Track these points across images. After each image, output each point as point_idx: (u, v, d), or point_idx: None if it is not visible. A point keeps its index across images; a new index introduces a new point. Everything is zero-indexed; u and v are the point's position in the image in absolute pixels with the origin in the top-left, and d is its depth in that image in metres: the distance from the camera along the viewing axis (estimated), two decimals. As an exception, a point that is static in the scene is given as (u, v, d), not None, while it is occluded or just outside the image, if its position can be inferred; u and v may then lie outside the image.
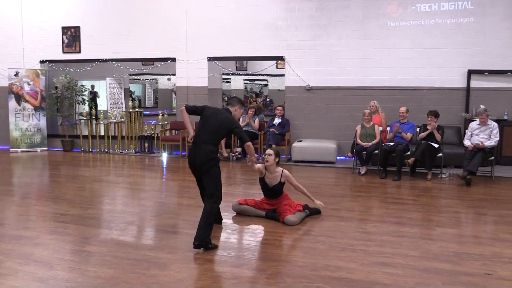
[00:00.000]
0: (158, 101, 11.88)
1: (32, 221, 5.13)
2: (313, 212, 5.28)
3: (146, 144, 10.31)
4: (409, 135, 7.75)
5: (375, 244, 4.32)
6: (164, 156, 9.92)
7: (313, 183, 6.98)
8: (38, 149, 10.80)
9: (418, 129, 7.86)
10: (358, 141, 7.98)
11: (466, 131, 7.71)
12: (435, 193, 6.59)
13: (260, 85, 11.07)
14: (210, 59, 10.10)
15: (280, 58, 9.73)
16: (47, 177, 8.04)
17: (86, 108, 11.13)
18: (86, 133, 10.84)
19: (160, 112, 10.54)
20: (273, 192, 5.16)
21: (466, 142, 7.37)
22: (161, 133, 10.13)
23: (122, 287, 3.40)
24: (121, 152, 10.49)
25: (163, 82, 11.42)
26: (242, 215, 5.28)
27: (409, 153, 7.65)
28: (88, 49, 10.74)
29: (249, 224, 5.01)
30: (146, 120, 10.86)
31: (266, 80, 10.71)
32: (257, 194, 5.48)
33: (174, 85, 10.66)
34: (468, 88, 8.86)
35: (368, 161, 7.98)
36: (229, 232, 4.75)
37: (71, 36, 10.80)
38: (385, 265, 3.82)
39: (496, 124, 7.33)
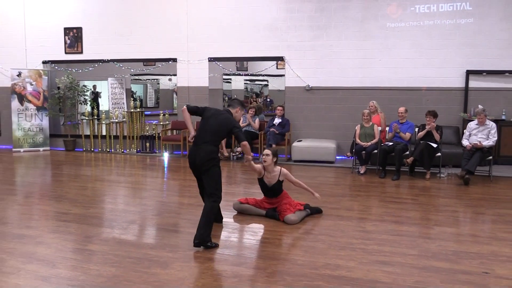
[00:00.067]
0: (159, 101, 11.91)
1: (34, 220, 5.16)
2: (314, 211, 5.30)
3: (148, 144, 10.32)
4: (408, 135, 7.77)
5: (374, 243, 4.35)
6: (165, 156, 9.95)
7: (313, 183, 6.96)
8: (41, 149, 10.83)
9: (417, 129, 7.87)
10: (358, 141, 8.01)
11: (464, 131, 7.71)
12: (433, 193, 6.62)
13: (261, 86, 11.10)
14: (211, 59, 10.13)
15: (280, 59, 9.75)
16: (50, 177, 8.07)
17: (88, 108, 11.14)
18: (88, 133, 10.86)
19: (161, 112, 10.56)
20: (273, 191, 5.18)
21: (465, 142, 7.39)
22: (162, 133, 10.15)
23: (124, 286, 3.42)
24: (123, 152, 10.52)
25: (164, 82, 11.45)
26: (243, 214, 5.30)
27: (408, 152, 7.66)
28: (90, 50, 10.76)
29: (249, 223, 5.04)
30: (147, 120, 10.86)
31: (266, 81, 10.74)
32: (258, 194, 5.50)
33: (175, 85, 10.67)
34: (466, 88, 8.88)
35: (368, 161, 8.00)
36: (229, 231, 4.77)
37: (73, 37, 10.83)
38: (384, 263, 3.84)
39: (494, 124, 7.35)
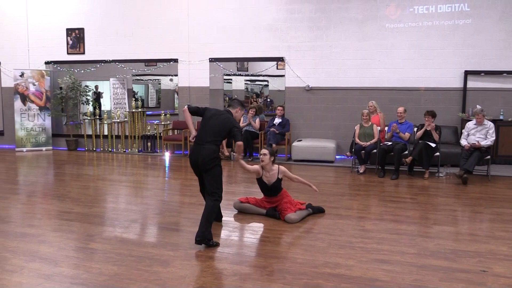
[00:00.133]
0: (160, 101, 11.95)
1: (37, 219, 5.18)
2: (316, 211, 5.32)
3: (149, 144, 10.35)
4: (407, 135, 7.79)
5: (374, 242, 4.37)
6: (167, 155, 9.97)
7: (313, 182, 6.77)
8: (43, 148, 10.87)
9: (415, 129, 7.88)
10: (357, 140, 8.04)
11: (462, 130, 7.73)
12: (432, 192, 6.64)
13: (261, 86, 11.12)
14: (212, 60, 10.15)
15: (280, 59, 9.78)
16: (52, 176, 8.09)
17: (90, 108, 11.14)
18: (90, 132, 10.89)
19: (163, 112, 10.59)
20: (273, 189, 5.19)
21: (463, 142, 7.40)
22: (163, 133, 10.19)
23: (125, 284, 3.44)
24: (125, 151, 10.54)
25: (166, 83, 11.48)
26: (243, 213, 5.31)
27: (407, 152, 7.69)
28: (92, 50, 10.80)
29: (250, 222, 5.05)
30: (149, 120, 10.90)
31: (267, 81, 10.76)
32: (258, 193, 5.48)
33: (177, 85, 10.68)
34: (464, 89, 8.90)
35: (367, 160, 8.03)
36: (230, 230, 4.78)
37: (76, 38, 10.87)
38: (383, 262, 3.86)
39: (492, 124, 7.37)
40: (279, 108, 9.59)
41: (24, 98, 10.73)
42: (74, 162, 9.28)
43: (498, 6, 8.67)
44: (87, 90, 11.12)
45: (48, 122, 10.97)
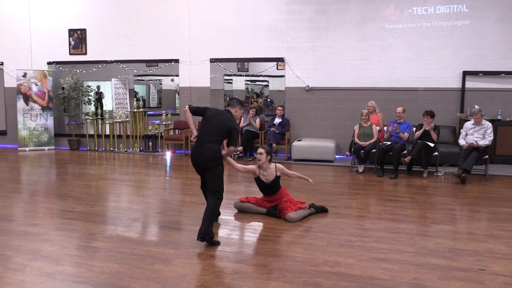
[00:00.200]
0: (162, 101, 12.04)
1: (39, 218, 5.21)
2: (319, 210, 5.33)
3: (150, 143, 10.39)
4: (406, 135, 7.82)
5: (373, 240, 4.40)
6: (168, 155, 10.00)
7: (313, 181, 7.00)
8: (46, 148, 10.90)
9: (414, 129, 7.92)
10: (356, 140, 8.07)
11: (461, 130, 7.75)
12: (430, 191, 6.67)
13: (261, 86, 11.17)
14: (213, 60, 10.19)
15: (281, 60, 9.81)
16: (54, 175, 8.12)
17: (92, 108, 11.20)
18: (92, 132, 10.94)
19: (164, 112, 10.62)
20: (271, 188, 5.21)
21: (461, 141, 7.43)
22: (164, 132, 10.21)
23: (127, 282, 3.46)
24: (126, 151, 10.57)
25: (167, 83, 11.56)
26: (244, 212, 5.33)
27: (405, 152, 7.71)
28: (94, 51, 10.84)
29: (250, 221, 5.07)
30: (150, 119, 10.96)
31: (267, 81, 10.80)
32: (259, 192, 5.51)
33: (178, 85, 10.72)
34: (463, 89, 8.92)
35: (366, 160, 8.06)
36: (230, 229, 4.80)
37: (78, 38, 10.91)
38: (382, 260, 3.88)
39: (490, 124, 7.39)
40: (279, 108, 9.62)
41: (27, 98, 10.77)
42: (76, 162, 9.31)
43: (496, 7, 8.70)
44: (89, 90, 11.18)
45: (50, 122, 11.02)
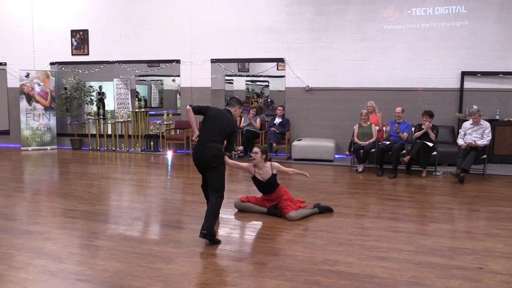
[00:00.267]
0: (163, 101, 12.04)
1: (42, 217, 5.22)
2: (324, 210, 5.32)
3: (152, 143, 10.43)
4: (405, 135, 7.86)
5: (372, 239, 4.42)
6: (169, 154, 10.03)
7: (313, 181, 7.03)
8: (48, 148, 10.96)
9: (413, 129, 7.95)
10: (356, 140, 8.10)
11: (459, 130, 7.80)
12: (429, 190, 6.69)
13: (261, 86, 11.15)
14: (213, 61, 10.23)
15: (281, 60, 9.86)
16: (57, 174, 8.15)
17: (94, 108, 11.21)
18: (94, 132, 10.98)
19: (165, 112, 10.65)
20: (268, 186, 5.24)
21: (460, 141, 7.48)
22: (166, 132, 10.26)
23: (129, 280, 3.48)
24: (128, 150, 10.61)
25: (168, 83, 11.56)
26: (244, 211, 5.35)
27: (404, 151, 7.74)
28: (96, 51, 10.89)
29: (250, 220, 5.10)
30: (151, 119, 10.98)
31: (267, 81, 10.78)
32: (259, 192, 5.53)
33: (179, 86, 10.74)
34: (461, 89, 8.96)
35: (365, 159, 8.08)
36: (231, 228, 4.83)
37: (80, 39, 10.95)
38: (381, 259, 3.91)
39: (488, 124, 7.43)
40: (279, 108, 9.66)
41: (30, 98, 10.82)
42: (79, 161, 9.34)
43: (495, 8, 8.75)
44: (91, 91, 11.21)
45: (53, 122, 11.06)
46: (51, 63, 11.20)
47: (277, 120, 9.52)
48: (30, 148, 10.82)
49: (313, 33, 9.64)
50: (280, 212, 5.15)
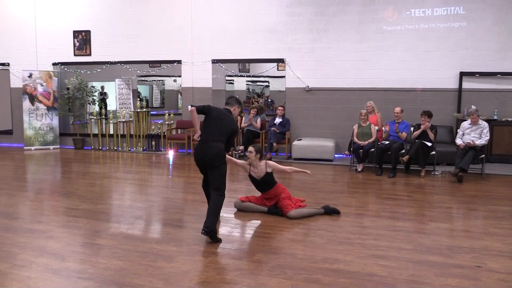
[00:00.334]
0: (164, 102, 12.13)
1: (45, 215, 5.25)
2: (330, 212, 5.29)
3: (153, 142, 10.47)
4: (404, 134, 7.90)
5: (371, 238, 4.44)
6: (171, 154, 10.06)
7: (312, 180, 7.07)
8: (51, 147, 10.99)
9: (412, 129, 7.97)
10: (355, 139, 8.14)
11: (458, 130, 7.80)
12: (428, 190, 6.71)
13: (262, 86, 11.22)
14: (214, 61, 10.27)
15: (281, 61, 9.90)
16: (59, 174, 8.19)
17: (96, 108, 11.26)
18: (96, 131, 11.02)
19: (167, 112, 10.71)
20: (263, 184, 5.28)
21: (458, 141, 7.51)
22: (167, 132, 10.29)
23: (131, 278, 3.50)
24: (130, 150, 10.65)
25: (169, 83, 11.64)
26: (244, 210, 5.37)
27: (403, 151, 7.76)
28: (98, 52, 10.92)
29: (251, 219, 5.12)
30: (153, 119, 11.03)
31: (268, 82, 10.86)
32: (258, 192, 5.53)
33: (180, 86, 10.78)
34: (460, 89, 8.99)
35: (365, 159, 8.11)
36: (232, 227, 4.85)
37: (82, 40, 11.00)
38: (380, 257, 3.93)
39: (486, 124, 7.46)
40: (279, 108, 9.69)
41: (32, 98, 10.87)
42: (81, 161, 9.38)
43: (493, 9, 8.78)
44: (93, 91, 11.25)
45: (55, 122, 11.11)
46: (54, 64, 11.25)
47: (278, 120, 9.56)
48: (32, 148, 10.87)
49: (313, 33, 9.69)
50: (281, 211, 5.19)
